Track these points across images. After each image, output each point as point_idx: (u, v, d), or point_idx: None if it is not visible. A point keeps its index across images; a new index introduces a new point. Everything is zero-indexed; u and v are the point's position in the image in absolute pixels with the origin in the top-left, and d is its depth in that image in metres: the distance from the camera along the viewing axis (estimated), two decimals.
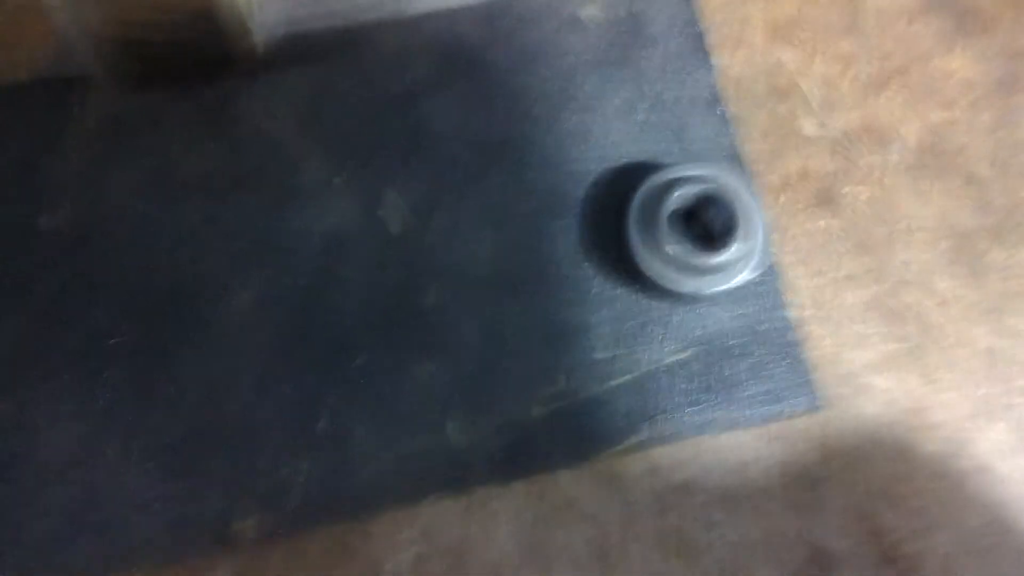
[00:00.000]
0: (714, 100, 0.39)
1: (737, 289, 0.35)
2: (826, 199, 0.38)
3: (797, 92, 0.40)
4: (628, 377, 0.36)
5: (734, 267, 0.35)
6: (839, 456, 0.36)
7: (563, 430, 0.35)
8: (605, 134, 0.39)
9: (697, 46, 0.40)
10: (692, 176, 0.35)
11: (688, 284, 0.35)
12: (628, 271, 0.36)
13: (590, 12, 0.40)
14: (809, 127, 0.39)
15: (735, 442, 0.36)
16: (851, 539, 0.35)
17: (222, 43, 0.32)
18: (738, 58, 0.40)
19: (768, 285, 0.37)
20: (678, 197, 0.35)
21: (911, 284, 0.38)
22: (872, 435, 0.36)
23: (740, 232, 0.34)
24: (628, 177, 0.37)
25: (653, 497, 0.35)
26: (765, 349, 0.36)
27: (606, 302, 0.36)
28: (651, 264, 0.35)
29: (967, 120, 0.39)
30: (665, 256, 0.35)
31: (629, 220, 0.35)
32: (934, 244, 0.38)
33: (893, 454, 0.36)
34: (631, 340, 0.36)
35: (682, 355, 0.36)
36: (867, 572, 0.34)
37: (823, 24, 0.41)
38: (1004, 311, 0.37)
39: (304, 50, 0.38)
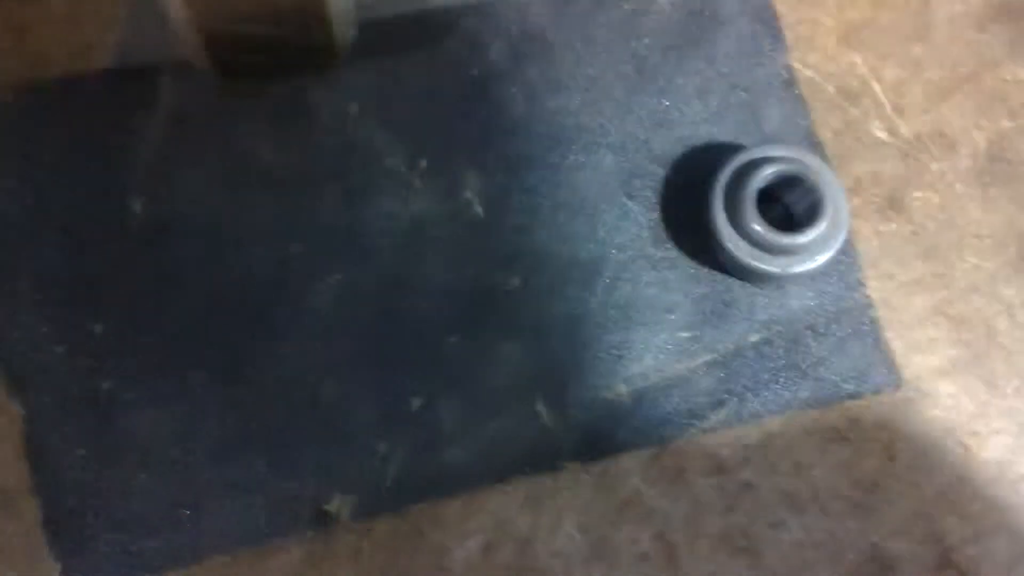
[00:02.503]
0: (789, 83, 0.39)
1: (818, 268, 0.35)
2: (896, 203, 0.38)
3: (869, 95, 0.40)
4: (713, 356, 0.36)
5: (818, 247, 0.35)
6: (901, 458, 0.36)
7: (649, 408, 0.35)
8: (682, 116, 0.38)
9: (770, 28, 0.40)
10: (776, 157, 0.35)
11: (772, 264, 0.35)
12: (710, 251, 0.36)
13: None
14: (880, 131, 0.39)
15: (800, 443, 0.36)
16: (911, 541, 0.35)
17: (327, 34, 0.31)
18: (810, 60, 0.40)
19: (847, 264, 0.37)
20: (763, 178, 0.35)
21: (978, 291, 0.38)
22: (935, 439, 0.36)
23: (827, 212, 0.34)
24: (707, 158, 0.37)
25: (719, 495, 0.35)
26: (846, 327, 0.37)
27: (689, 282, 0.37)
28: (736, 244, 0.35)
29: None
30: (750, 236, 0.35)
31: (713, 200, 0.35)
32: (1001, 251, 0.38)
33: (955, 458, 0.36)
34: (715, 320, 0.36)
35: (765, 334, 0.36)
36: (926, 575, 0.35)
37: (894, 29, 0.41)
38: None
39: (375, 37, 0.38)
